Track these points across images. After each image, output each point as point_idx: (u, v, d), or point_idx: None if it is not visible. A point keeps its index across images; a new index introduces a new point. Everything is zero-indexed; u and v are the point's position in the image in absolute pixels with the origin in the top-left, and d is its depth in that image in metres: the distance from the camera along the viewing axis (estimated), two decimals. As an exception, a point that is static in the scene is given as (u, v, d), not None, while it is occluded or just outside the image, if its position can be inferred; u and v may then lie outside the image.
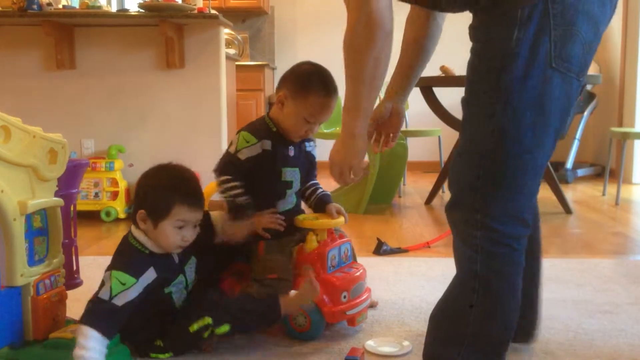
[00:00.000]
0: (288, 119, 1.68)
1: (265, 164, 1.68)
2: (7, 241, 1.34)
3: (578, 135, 5.10)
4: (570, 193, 4.42)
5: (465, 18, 1.31)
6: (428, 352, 1.40)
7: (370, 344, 1.58)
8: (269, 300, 1.51)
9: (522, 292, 1.32)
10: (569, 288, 2.11)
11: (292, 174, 1.73)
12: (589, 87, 5.00)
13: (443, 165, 4.24)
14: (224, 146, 3.56)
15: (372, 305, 1.85)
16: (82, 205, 3.21)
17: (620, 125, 5.15)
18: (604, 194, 4.32)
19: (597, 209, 3.83)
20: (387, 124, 1.63)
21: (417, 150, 5.19)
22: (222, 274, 1.73)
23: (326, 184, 1.97)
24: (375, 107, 1.49)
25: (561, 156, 4.95)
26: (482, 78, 1.22)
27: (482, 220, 1.23)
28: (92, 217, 3.34)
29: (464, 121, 1.29)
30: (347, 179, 1.44)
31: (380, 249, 2.58)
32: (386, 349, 1.56)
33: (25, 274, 1.37)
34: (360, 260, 1.84)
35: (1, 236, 1.34)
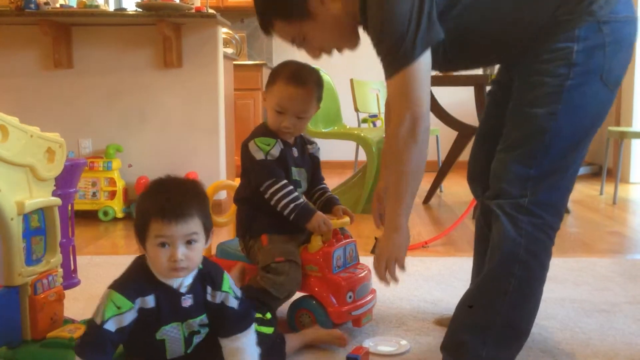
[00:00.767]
0: (268, 114, 1.70)
1: (282, 163, 1.69)
2: (5, 241, 1.33)
3: (576, 134, 5.10)
4: (568, 192, 4.43)
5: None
6: (451, 340, 1.40)
7: (368, 343, 1.59)
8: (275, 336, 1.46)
9: None
10: (566, 287, 2.12)
11: (299, 174, 1.74)
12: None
13: (441, 164, 4.23)
14: (222, 145, 3.56)
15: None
16: (79, 204, 3.20)
17: (618, 124, 5.16)
18: (601, 193, 4.33)
19: (594, 208, 3.84)
20: None
21: (415, 149, 5.17)
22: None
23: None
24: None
25: (559, 155, 4.95)
26: (545, 83, 1.30)
27: (528, 207, 1.31)
28: (89, 217, 3.34)
29: (514, 121, 1.36)
30: (393, 274, 1.42)
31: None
32: (384, 348, 1.57)
33: (23, 274, 1.36)
34: (358, 259, 1.84)
35: (-1, 236, 1.34)
